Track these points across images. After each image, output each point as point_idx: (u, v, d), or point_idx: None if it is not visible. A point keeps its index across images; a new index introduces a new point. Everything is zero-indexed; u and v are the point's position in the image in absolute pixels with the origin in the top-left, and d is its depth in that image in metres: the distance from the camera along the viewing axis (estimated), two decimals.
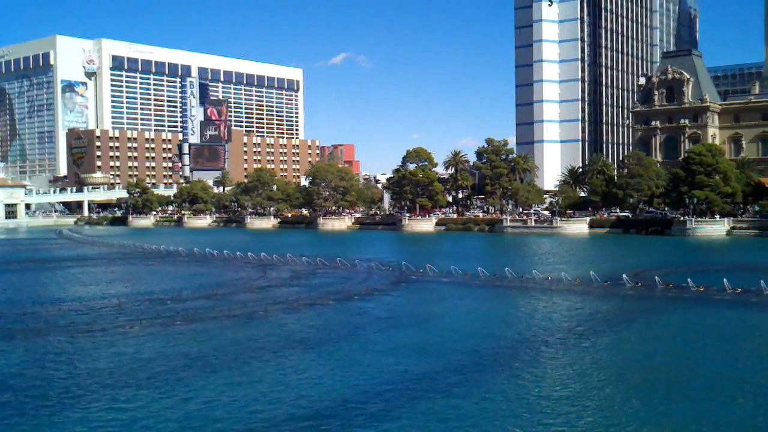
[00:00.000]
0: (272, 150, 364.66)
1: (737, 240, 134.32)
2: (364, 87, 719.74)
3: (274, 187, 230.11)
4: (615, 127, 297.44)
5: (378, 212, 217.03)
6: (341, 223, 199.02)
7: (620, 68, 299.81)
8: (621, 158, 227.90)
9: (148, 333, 50.69)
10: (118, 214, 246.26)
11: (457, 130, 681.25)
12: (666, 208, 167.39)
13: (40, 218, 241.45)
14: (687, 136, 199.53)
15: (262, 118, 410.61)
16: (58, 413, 33.61)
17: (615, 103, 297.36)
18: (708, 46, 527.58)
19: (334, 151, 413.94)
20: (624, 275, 70.66)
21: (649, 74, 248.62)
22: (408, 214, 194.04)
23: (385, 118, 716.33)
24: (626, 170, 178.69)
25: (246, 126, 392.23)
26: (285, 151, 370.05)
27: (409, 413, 33.35)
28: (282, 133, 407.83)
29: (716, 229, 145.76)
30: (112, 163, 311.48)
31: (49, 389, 37.17)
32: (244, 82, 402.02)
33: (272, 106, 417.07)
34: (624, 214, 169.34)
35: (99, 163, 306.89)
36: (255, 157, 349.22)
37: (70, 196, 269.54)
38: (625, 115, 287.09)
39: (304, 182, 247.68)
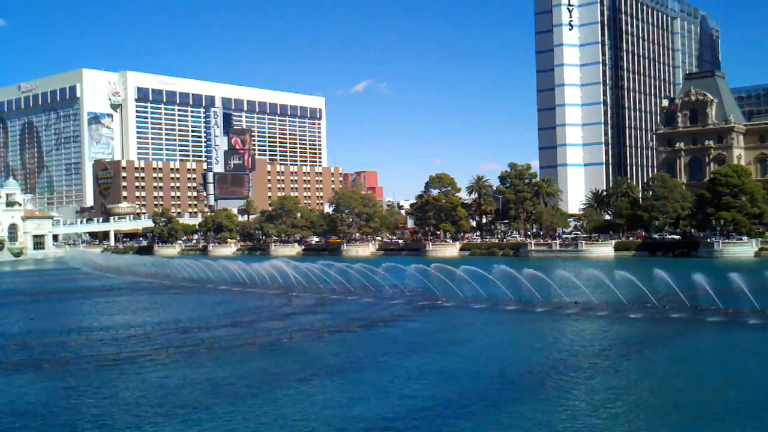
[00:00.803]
0: (296, 178, 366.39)
1: (766, 261, 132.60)
2: (386, 114, 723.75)
3: (298, 214, 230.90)
4: (639, 150, 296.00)
5: (401, 238, 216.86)
6: (365, 249, 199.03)
7: (643, 91, 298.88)
8: (645, 181, 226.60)
9: (174, 362, 50.77)
10: (144, 243, 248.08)
11: (479, 154, 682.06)
12: (692, 230, 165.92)
13: (68, 249, 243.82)
14: (712, 158, 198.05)
15: (286, 147, 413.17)
16: None
17: (638, 126, 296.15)
18: (731, 67, 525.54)
19: (357, 177, 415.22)
20: (651, 298, 69.93)
21: (672, 96, 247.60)
22: (433, 239, 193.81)
23: (407, 144, 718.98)
24: (651, 192, 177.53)
25: (270, 154, 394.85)
26: (308, 178, 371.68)
27: None
28: (305, 161, 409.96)
29: (744, 250, 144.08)
30: (137, 193, 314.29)
31: (77, 419, 37.28)
32: (268, 111, 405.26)
33: (295, 135, 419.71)
34: (655, 236, 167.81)
35: (125, 194, 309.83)
36: (279, 185, 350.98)
37: (97, 226, 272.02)
38: (649, 138, 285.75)
39: (328, 209, 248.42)
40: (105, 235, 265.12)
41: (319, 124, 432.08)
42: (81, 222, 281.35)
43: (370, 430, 34.67)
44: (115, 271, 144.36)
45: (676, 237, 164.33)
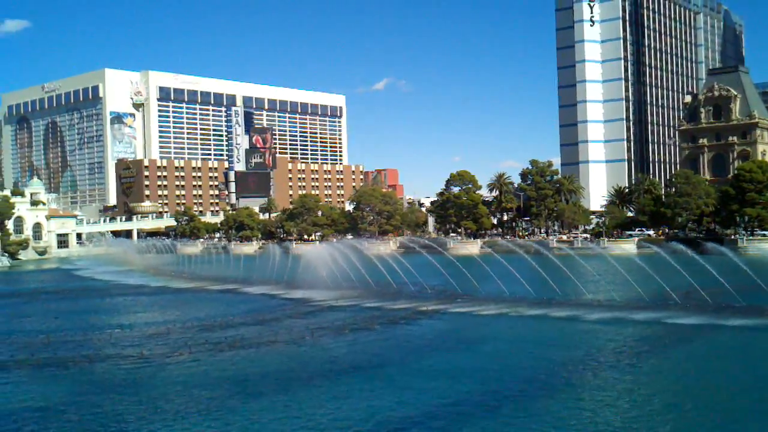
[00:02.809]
0: (316, 176, 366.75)
1: None
2: (406, 111, 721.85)
3: (319, 212, 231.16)
4: (661, 146, 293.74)
5: (422, 236, 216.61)
6: (386, 247, 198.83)
7: (665, 86, 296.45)
8: (668, 177, 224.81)
9: (196, 360, 51.07)
10: (167, 241, 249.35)
11: (500, 152, 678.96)
12: (715, 227, 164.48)
13: (91, 247, 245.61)
14: (736, 154, 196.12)
15: (306, 145, 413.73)
16: None
17: (660, 122, 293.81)
18: (754, 62, 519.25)
19: (377, 175, 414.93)
20: (674, 295, 69.35)
21: (695, 92, 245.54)
22: (454, 236, 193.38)
23: (427, 142, 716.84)
24: (674, 189, 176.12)
25: (290, 153, 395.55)
26: (329, 176, 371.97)
27: None
28: (326, 159, 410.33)
29: None
30: (160, 192, 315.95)
31: (101, 417, 37.60)
32: (288, 109, 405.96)
33: (316, 133, 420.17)
34: (679, 233, 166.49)
35: (147, 192, 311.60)
36: (300, 184, 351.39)
37: (120, 225, 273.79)
38: (671, 134, 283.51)
39: (349, 207, 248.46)
40: (128, 234, 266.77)
41: (339, 122, 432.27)
42: (104, 221, 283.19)
43: (392, 426, 34.69)
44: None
45: (697, 235, 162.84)
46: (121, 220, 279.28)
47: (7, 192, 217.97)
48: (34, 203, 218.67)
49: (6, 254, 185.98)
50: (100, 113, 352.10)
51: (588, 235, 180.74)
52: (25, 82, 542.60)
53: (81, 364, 50.59)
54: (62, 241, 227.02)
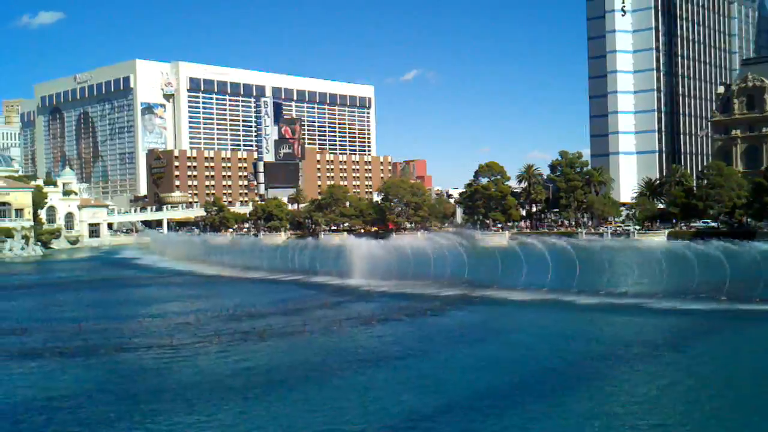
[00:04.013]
0: (345, 167, 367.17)
1: None
2: (435, 102, 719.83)
3: (347, 203, 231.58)
4: (693, 138, 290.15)
5: (451, 226, 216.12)
6: (414, 238, 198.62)
7: (697, 77, 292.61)
8: (700, 169, 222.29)
9: (225, 349, 51.47)
10: (197, 231, 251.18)
11: (528, 143, 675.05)
12: (748, 220, 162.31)
13: (122, 237, 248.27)
14: None
15: (335, 136, 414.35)
16: (140, 427, 34.38)
17: (693, 113, 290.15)
18: None
19: (406, 166, 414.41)
20: (707, 289, 68.54)
21: (728, 82, 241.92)
22: (482, 228, 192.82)
23: (455, 133, 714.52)
24: (706, 181, 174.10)
25: (319, 143, 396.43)
26: (357, 167, 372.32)
27: (486, 430, 33.03)
28: (354, 150, 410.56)
29: None
30: (189, 183, 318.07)
31: (130, 403, 38.06)
32: (317, 100, 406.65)
33: (345, 124, 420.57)
34: (711, 224, 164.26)
35: (177, 183, 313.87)
36: (328, 174, 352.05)
37: (150, 215, 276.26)
38: (704, 125, 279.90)
39: (377, 198, 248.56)
40: (158, 224, 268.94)
41: (368, 113, 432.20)
42: (135, 211, 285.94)
43: (420, 417, 34.76)
44: None
45: (732, 223, 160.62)
46: (151, 210, 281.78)
47: (40, 182, 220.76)
48: (66, 193, 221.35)
49: (39, 243, 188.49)
50: (131, 104, 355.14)
51: (618, 228, 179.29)
52: (58, 73, 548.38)
53: (111, 351, 51.18)
54: (94, 230, 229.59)
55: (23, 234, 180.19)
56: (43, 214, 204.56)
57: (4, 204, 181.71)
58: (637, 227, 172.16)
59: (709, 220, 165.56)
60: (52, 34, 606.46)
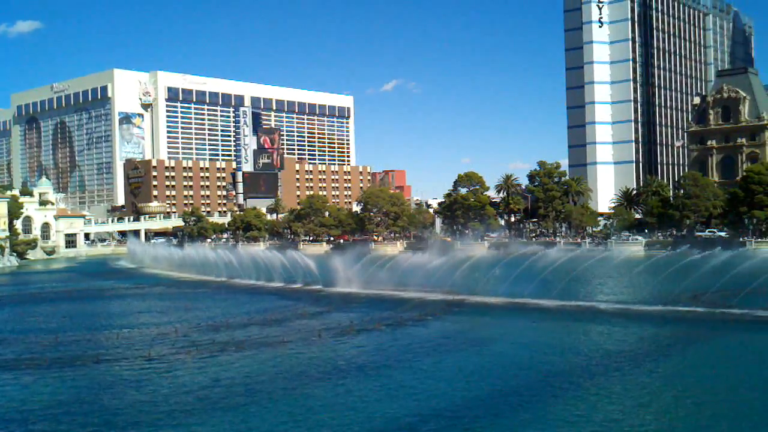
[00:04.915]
0: (324, 177, 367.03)
1: None
2: (415, 113, 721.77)
3: (327, 213, 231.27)
4: (669, 148, 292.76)
5: (430, 237, 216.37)
6: (393, 248, 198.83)
7: (674, 88, 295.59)
8: (676, 179, 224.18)
9: (203, 360, 51.22)
10: (175, 242, 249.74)
11: (508, 153, 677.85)
12: (724, 229, 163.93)
13: (99, 247, 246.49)
14: (745, 156, 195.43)
15: (314, 146, 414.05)
16: None
17: (669, 124, 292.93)
18: (764, 64, 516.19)
19: (385, 176, 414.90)
20: (682, 299, 69.15)
21: (704, 93, 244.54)
22: (461, 237, 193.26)
23: (435, 144, 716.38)
24: (682, 191, 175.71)
25: (298, 153, 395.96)
26: (337, 177, 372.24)
27: None
28: (334, 160, 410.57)
29: None
30: (168, 192, 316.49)
31: (107, 416, 37.75)
32: (296, 110, 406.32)
33: (324, 134, 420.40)
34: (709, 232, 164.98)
35: (155, 193, 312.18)
36: (307, 184, 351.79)
37: (128, 225, 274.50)
38: (680, 136, 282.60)
39: (356, 208, 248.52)
40: (136, 234, 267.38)
41: (347, 123, 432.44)
42: (112, 221, 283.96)
43: (400, 427, 34.75)
44: None
45: (708, 233, 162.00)
46: (129, 221, 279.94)
47: (15, 192, 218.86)
48: (43, 203, 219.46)
49: (15, 254, 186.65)
50: (109, 113, 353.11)
51: (595, 238, 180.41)
52: (35, 82, 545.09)
53: (88, 362, 50.73)
54: (70, 241, 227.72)
55: None
56: (18, 224, 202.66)
57: None
58: (627, 234, 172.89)
59: (715, 229, 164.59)
60: (29, 42, 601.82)
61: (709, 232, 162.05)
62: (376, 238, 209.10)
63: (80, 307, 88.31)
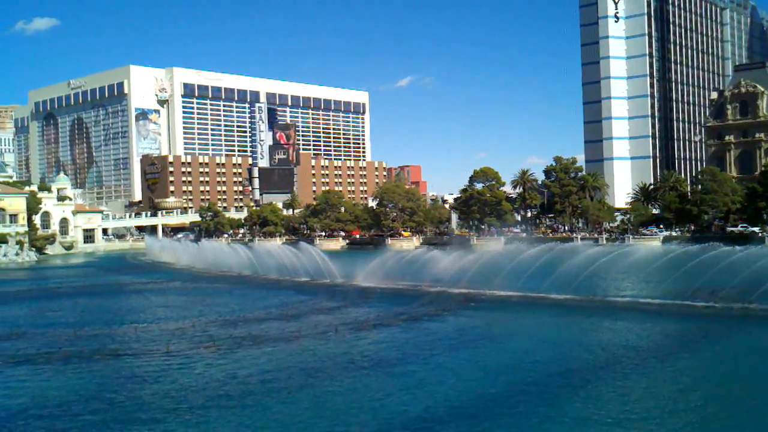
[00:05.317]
0: (340, 172, 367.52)
1: None
2: (430, 108, 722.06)
3: (342, 208, 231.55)
4: (687, 143, 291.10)
5: (446, 232, 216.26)
6: (409, 243, 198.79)
7: (691, 83, 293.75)
8: (694, 174, 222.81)
9: (220, 355, 51.41)
10: (191, 237, 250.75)
11: (523, 149, 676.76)
12: (741, 225, 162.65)
13: (117, 242, 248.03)
14: (763, 151, 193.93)
15: (330, 141, 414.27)
16: None
17: (686, 119, 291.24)
18: None
19: (401, 172, 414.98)
20: (700, 294, 68.68)
21: (722, 88, 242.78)
22: (477, 233, 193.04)
23: (451, 139, 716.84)
24: (700, 186, 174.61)
25: (314, 149, 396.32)
26: (352, 173, 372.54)
27: None
28: (349, 156, 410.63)
29: None
30: (184, 188, 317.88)
31: (126, 410, 37.97)
32: (312, 106, 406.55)
33: (339, 129, 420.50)
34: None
35: (172, 188, 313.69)
36: (323, 180, 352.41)
37: (145, 220, 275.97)
38: (697, 131, 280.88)
39: (372, 203, 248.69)
40: (153, 229, 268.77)
41: (362, 118, 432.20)
42: (130, 216, 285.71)
43: (418, 423, 34.77)
44: None
45: (730, 230, 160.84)
46: (146, 216, 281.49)
47: (34, 187, 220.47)
48: (61, 198, 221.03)
49: (33, 249, 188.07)
50: (125, 109, 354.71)
51: (611, 233, 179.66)
52: (52, 79, 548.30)
53: (107, 357, 51.08)
54: (88, 236, 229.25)
55: (17, 240, 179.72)
56: (37, 219, 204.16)
57: None
58: (654, 229, 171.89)
59: (747, 225, 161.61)
60: (46, 40, 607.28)
61: (741, 227, 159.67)
62: (404, 233, 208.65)
63: (99, 301, 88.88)
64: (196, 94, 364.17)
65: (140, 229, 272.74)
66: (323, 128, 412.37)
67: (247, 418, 36.12)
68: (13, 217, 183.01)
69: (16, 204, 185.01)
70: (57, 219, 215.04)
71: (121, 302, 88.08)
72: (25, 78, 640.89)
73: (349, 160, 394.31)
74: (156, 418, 36.33)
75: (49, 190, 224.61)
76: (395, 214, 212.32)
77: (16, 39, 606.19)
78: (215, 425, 35.18)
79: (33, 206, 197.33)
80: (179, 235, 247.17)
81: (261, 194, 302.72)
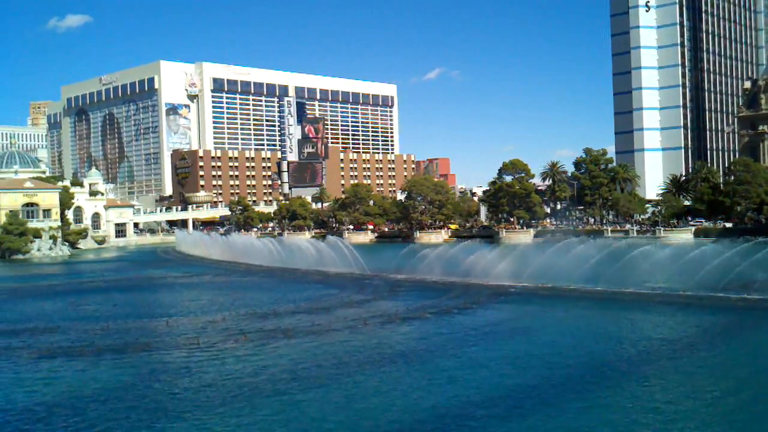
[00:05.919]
0: (368, 165, 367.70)
1: None
2: (459, 101, 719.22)
3: (371, 202, 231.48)
4: (719, 134, 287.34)
5: (475, 225, 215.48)
6: (438, 237, 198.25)
7: (723, 72, 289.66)
8: (726, 165, 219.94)
9: (251, 348, 51.75)
10: (221, 231, 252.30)
11: (552, 140, 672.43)
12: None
13: (148, 236, 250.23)
14: None
15: (358, 135, 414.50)
16: (167, 427, 34.66)
17: (719, 109, 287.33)
18: None
19: (429, 165, 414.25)
20: (732, 287, 67.87)
21: (755, 77, 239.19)
22: (506, 225, 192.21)
23: (479, 131, 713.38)
24: (733, 177, 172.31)
25: (342, 142, 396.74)
26: (381, 166, 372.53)
27: (512, 428, 33.01)
28: (378, 149, 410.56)
29: None
30: (214, 182, 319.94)
31: (159, 403, 38.38)
32: (340, 99, 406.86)
33: (368, 123, 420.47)
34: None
35: (202, 182, 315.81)
36: (351, 173, 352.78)
37: (176, 214, 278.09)
38: (730, 121, 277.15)
39: (400, 197, 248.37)
40: (183, 223, 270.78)
41: (391, 111, 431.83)
42: (160, 210, 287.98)
43: (446, 415, 34.81)
44: None
45: (757, 220, 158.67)
46: (176, 210, 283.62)
47: (66, 182, 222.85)
48: (93, 193, 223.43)
49: (66, 243, 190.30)
50: (156, 104, 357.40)
51: (642, 225, 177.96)
52: (84, 75, 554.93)
53: (139, 350, 51.64)
54: (120, 230, 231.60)
55: (51, 234, 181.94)
56: (70, 214, 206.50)
57: (31, 204, 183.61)
58: (691, 221, 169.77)
59: None
60: (78, 36, 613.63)
61: None
62: (448, 226, 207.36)
63: (131, 295, 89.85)
64: (226, 89, 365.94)
65: (171, 223, 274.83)
66: (352, 122, 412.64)
67: (279, 410, 36.35)
68: (47, 212, 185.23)
69: (50, 199, 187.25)
70: (89, 214, 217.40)
71: (152, 296, 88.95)
72: (57, 74, 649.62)
73: (378, 153, 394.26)
74: (188, 411, 36.70)
75: (81, 185, 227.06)
76: (424, 207, 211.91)
77: (49, 36, 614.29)
78: (247, 419, 35.43)
79: (66, 201, 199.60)
80: (221, 229, 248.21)
81: (290, 188, 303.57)
